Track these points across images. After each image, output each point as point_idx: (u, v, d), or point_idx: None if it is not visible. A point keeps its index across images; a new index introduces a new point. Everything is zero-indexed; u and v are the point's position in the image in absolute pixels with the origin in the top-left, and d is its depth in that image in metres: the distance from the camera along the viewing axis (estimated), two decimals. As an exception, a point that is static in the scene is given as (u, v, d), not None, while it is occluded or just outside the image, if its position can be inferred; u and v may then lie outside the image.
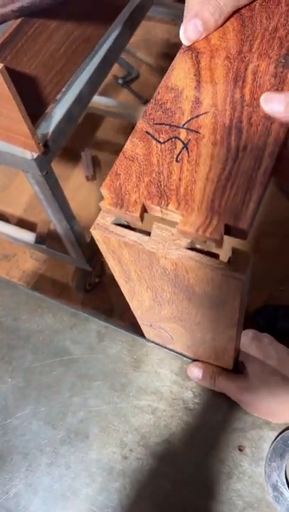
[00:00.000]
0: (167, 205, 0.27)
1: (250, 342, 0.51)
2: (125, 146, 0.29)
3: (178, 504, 0.48)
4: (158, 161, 0.28)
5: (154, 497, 0.49)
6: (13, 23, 0.70)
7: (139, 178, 0.28)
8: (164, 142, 0.29)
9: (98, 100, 1.53)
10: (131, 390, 0.54)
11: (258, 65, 0.31)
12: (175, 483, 0.49)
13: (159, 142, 0.29)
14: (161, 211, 0.27)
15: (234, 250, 0.26)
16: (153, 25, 1.96)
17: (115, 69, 1.85)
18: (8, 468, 0.52)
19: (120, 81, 1.84)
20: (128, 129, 1.72)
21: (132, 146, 0.29)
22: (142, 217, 0.27)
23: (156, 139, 0.29)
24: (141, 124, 0.30)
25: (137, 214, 0.27)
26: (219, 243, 0.26)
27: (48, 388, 0.55)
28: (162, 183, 0.28)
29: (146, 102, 1.79)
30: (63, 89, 0.89)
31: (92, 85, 0.94)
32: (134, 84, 1.86)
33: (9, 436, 0.53)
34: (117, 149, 1.69)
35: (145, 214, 0.28)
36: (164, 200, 0.27)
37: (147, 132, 0.30)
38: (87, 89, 0.92)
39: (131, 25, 1.03)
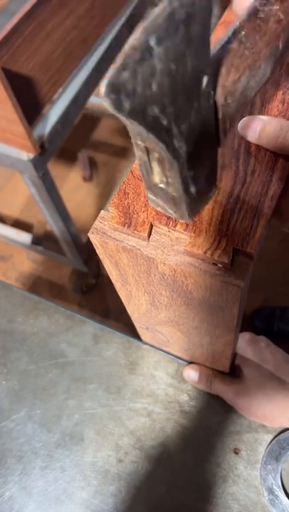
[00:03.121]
0: (175, 225, 0.27)
1: (247, 345, 0.51)
2: (134, 165, 0.29)
3: (173, 507, 0.48)
4: None
5: (150, 500, 0.49)
6: (10, 23, 0.70)
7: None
8: None
9: (95, 101, 1.52)
10: (126, 393, 0.54)
11: (267, 91, 0.31)
12: (170, 487, 0.49)
13: None
14: (169, 231, 0.27)
15: (234, 256, 0.26)
16: (150, 27, 1.96)
17: (112, 70, 1.85)
18: (2, 471, 0.51)
19: (117, 82, 1.84)
20: (125, 130, 1.72)
21: None
22: (149, 237, 0.28)
23: None
24: None
25: (145, 234, 0.27)
26: (227, 265, 0.26)
27: (43, 391, 0.55)
28: None
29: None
30: (60, 90, 0.89)
31: (89, 86, 0.94)
32: (131, 85, 1.85)
33: (4, 439, 0.53)
34: (114, 150, 1.69)
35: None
36: (172, 220, 0.27)
37: None
38: (84, 90, 0.92)
39: (128, 25, 1.03)
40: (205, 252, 0.26)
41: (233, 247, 0.26)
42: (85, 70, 0.93)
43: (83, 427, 0.53)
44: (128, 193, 0.28)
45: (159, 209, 0.26)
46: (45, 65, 0.80)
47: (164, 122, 0.18)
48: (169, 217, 0.27)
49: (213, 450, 0.50)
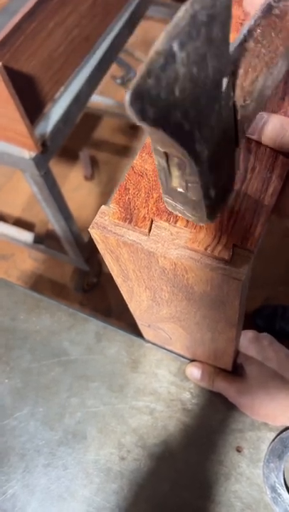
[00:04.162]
0: (176, 221, 0.27)
1: (250, 343, 0.51)
2: (134, 161, 0.29)
3: (176, 505, 0.48)
4: None
5: (152, 498, 0.48)
6: (11, 22, 0.70)
7: (148, 194, 0.28)
8: None
9: (96, 100, 1.53)
10: (129, 391, 0.54)
11: None
12: (173, 485, 0.49)
13: None
14: (170, 227, 0.27)
15: (234, 250, 0.26)
16: (152, 25, 1.96)
17: (113, 69, 1.85)
18: (5, 469, 0.51)
19: (118, 81, 1.84)
20: (126, 128, 1.72)
21: (142, 161, 0.29)
22: (149, 232, 0.28)
23: None
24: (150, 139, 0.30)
25: (146, 229, 0.27)
26: (227, 262, 0.26)
27: (46, 389, 0.55)
28: None
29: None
30: (62, 89, 0.89)
31: (91, 84, 0.94)
32: (133, 84, 1.85)
33: (6, 437, 0.53)
34: (115, 149, 1.69)
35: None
36: (172, 216, 0.27)
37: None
38: (85, 89, 0.92)
39: (130, 24, 1.03)
40: (206, 249, 0.26)
41: (233, 243, 0.26)
42: (87, 69, 0.93)
43: (86, 425, 0.52)
44: (129, 189, 0.28)
45: (176, 213, 0.26)
46: (46, 63, 0.80)
47: (187, 127, 0.18)
48: (169, 214, 0.27)
49: (216, 448, 0.50)
